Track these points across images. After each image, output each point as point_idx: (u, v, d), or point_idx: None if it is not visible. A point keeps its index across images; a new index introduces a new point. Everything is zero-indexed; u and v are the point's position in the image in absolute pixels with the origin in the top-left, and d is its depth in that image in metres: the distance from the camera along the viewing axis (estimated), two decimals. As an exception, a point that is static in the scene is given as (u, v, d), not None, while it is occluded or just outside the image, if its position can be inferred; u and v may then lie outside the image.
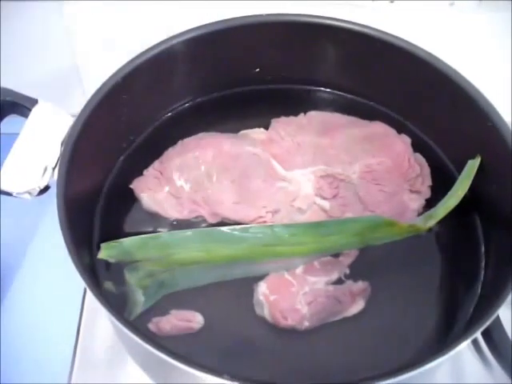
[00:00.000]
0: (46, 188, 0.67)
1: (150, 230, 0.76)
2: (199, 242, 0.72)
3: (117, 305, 0.69)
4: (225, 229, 0.72)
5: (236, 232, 0.72)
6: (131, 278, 0.71)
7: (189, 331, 0.69)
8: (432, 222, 0.73)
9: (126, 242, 0.70)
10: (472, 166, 0.75)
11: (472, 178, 0.74)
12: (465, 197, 0.74)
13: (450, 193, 0.75)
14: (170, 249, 0.71)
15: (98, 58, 0.93)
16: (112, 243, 0.70)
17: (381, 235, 0.73)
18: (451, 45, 0.85)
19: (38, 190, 0.67)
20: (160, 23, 0.89)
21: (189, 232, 0.73)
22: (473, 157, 0.75)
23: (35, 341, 0.79)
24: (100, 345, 0.79)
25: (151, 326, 0.69)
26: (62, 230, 0.62)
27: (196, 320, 0.70)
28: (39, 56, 0.95)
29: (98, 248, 0.71)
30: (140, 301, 0.70)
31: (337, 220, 0.76)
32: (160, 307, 0.70)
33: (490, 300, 0.61)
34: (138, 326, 0.67)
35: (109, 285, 0.71)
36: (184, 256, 0.71)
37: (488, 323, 0.58)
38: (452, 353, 0.56)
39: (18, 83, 0.73)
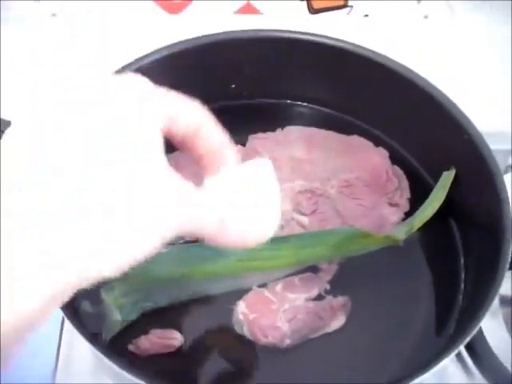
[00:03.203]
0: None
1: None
2: (175, 258, 0.71)
3: (94, 325, 0.68)
4: (199, 244, 0.72)
5: (210, 247, 0.71)
6: (108, 297, 0.69)
7: (168, 349, 0.69)
8: (407, 233, 0.73)
9: None
10: (447, 177, 0.75)
11: (447, 189, 0.75)
12: (443, 207, 0.74)
13: (425, 204, 0.75)
14: (145, 266, 0.70)
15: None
16: None
17: (357, 247, 0.72)
18: (426, 57, 0.86)
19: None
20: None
21: (164, 249, 0.72)
22: (449, 168, 0.76)
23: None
24: (81, 358, 0.76)
25: (130, 347, 0.69)
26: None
27: (175, 337, 0.69)
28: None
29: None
30: (117, 320, 0.69)
31: (312, 232, 0.76)
32: (139, 326, 0.70)
33: (472, 313, 0.61)
34: (116, 345, 0.68)
35: (86, 304, 0.70)
36: (160, 273, 0.70)
37: (469, 338, 0.58)
38: (435, 369, 0.56)
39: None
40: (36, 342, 0.76)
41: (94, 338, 0.62)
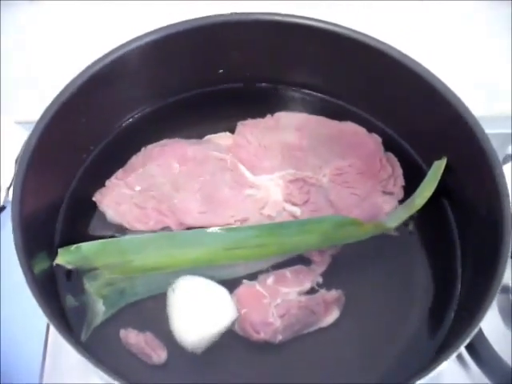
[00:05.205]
0: (1, 208, 0.65)
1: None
2: (159, 246, 0.70)
3: (78, 316, 0.68)
4: (185, 232, 0.72)
5: (196, 235, 0.71)
6: (91, 286, 0.69)
7: (145, 358, 0.67)
8: (397, 222, 0.72)
9: (84, 246, 0.68)
10: (438, 166, 0.74)
11: (439, 178, 0.73)
12: (440, 197, 0.73)
13: (415, 193, 0.74)
14: (129, 254, 0.69)
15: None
16: (70, 248, 0.68)
17: (346, 235, 0.71)
18: (422, 41, 0.84)
19: (-7, 211, 0.64)
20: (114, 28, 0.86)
21: (148, 236, 0.71)
22: (441, 157, 0.74)
23: (3, 343, 0.76)
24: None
25: (122, 332, 0.67)
26: (17, 251, 0.61)
27: (158, 355, 0.67)
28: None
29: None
30: (100, 310, 0.68)
31: (300, 220, 0.74)
32: (123, 318, 0.69)
33: (471, 309, 0.60)
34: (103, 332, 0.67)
35: (69, 296, 0.69)
36: (144, 262, 0.69)
37: (468, 339, 0.56)
38: (433, 373, 0.55)
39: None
40: (23, 338, 0.76)
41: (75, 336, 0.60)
